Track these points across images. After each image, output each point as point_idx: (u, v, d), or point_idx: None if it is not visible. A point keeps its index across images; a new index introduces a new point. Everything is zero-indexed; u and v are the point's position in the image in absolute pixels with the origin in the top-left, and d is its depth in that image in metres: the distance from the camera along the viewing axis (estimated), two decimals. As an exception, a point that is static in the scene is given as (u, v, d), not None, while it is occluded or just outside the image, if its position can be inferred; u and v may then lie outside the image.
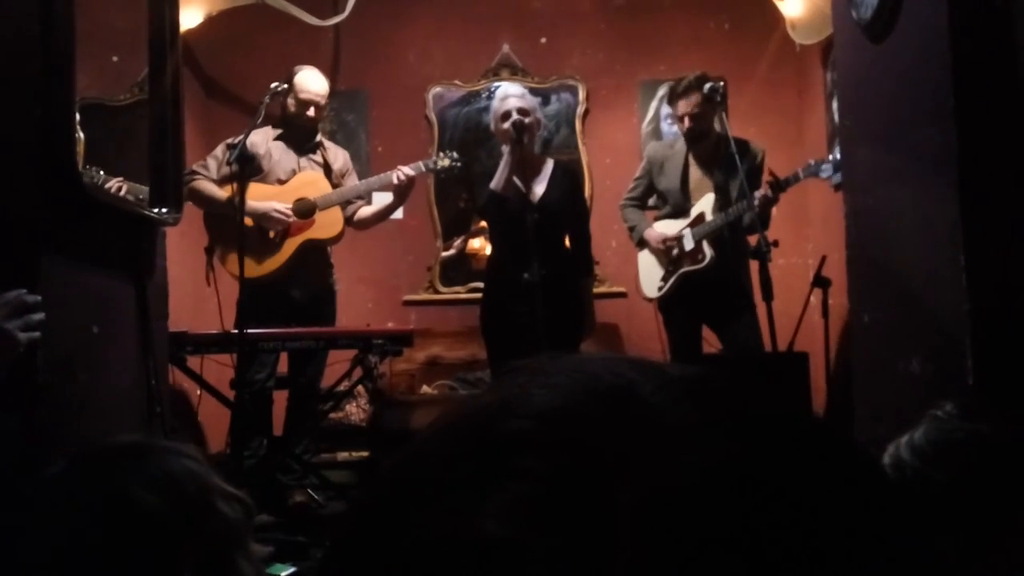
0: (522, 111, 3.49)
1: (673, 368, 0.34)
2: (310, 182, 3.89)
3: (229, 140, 3.83)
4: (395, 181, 3.81)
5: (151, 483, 0.96)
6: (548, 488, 0.29)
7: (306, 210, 3.81)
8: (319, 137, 4.04)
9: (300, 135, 3.93)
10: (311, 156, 3.96)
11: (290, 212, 3.78)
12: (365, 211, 4.01)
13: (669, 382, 0.33)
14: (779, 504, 0.29)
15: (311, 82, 3.91)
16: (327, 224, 3.86)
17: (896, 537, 0.31)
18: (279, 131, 3.94)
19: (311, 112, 3.90)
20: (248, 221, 3.59)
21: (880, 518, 0.31)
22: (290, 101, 3.89)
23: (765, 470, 0.30)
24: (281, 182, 3.86)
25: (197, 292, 3.78)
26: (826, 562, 0.29)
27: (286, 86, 3.85)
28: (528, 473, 0.30)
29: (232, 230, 3.71)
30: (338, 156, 4.07)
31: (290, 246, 3.80)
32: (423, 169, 3.90)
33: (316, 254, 3.88)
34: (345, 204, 3.94)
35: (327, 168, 3.97)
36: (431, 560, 0.29)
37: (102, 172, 2.68)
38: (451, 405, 0.35)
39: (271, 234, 3.77)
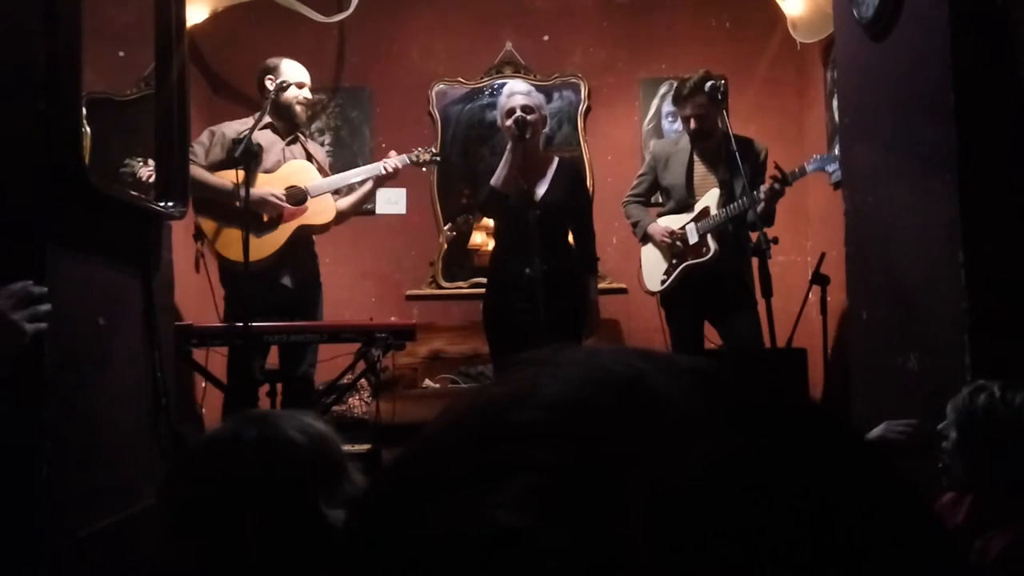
0: (526, 108, 3.50)
1: (683, 360, 0.34)
2: (299, 170, 3.90)
3: (212, 127, 3.84)
4: (384, 171, 3.88)
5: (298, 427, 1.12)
6: (559, 479, 0.29)
7: (298, 197, 3.84)
8: (301, 128, 4.03)
9: (288, 125, 3.93)
10: (293, 147, 3.97)
11: (285, 198, 3.80)
12: (343, 203, 4.02)
13: (680, 374, 0.33)
14: (790, 496, 0.29)
15: (296, 70, 3.93)
16: (320, 211, 3.88)
17: (906, 529, 0.31)
18: (266, 120, 3.89)
19: (303, 97, 3.91)
20: (233, 203, 3.61)
21: (891, 511, 0.31)
22: (280, 91, 3.86)
23: (776, 462, 0.30)
24: (267, 171, 3.86)
25: (202, 285, 3.80)
26: (836, 554, 0.29)
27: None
28: (539, 464, 0.29)
29: (223, 216, 3.70)
30: (317, 150, 4.12)
31: (284, 232, 3.81)
32: (407, 162, 3.97)
33: (304, 243, 3.91)
34: (333, 193, 3.97)
35: (309, 158, 3.99)
36: (443, 552, 0.29)
37: (140, 160, 2.70)
38: (459, 396, 0.35)
39: (264, 218, 3.77)
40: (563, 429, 0.30)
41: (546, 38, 5.33)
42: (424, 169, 4.12)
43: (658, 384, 0.32)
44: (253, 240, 3.59)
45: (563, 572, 0.27)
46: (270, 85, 3.87)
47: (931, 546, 0.31)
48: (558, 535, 0.28)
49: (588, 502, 0.28)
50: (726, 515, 0.28)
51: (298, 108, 3.90)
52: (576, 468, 0.29)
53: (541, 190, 3.55)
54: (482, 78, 5.31)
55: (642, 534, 0.28)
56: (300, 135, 4.03)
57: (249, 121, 3.88)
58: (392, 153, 4.00)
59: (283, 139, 3.92)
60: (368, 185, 3.97)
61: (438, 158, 4.05)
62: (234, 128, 3.83)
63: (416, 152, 4.03)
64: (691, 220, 3.90)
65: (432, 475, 0.32)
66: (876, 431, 1.87)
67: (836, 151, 3.73)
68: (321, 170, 4.00)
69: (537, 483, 0.29)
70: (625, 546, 0.28)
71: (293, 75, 3.89)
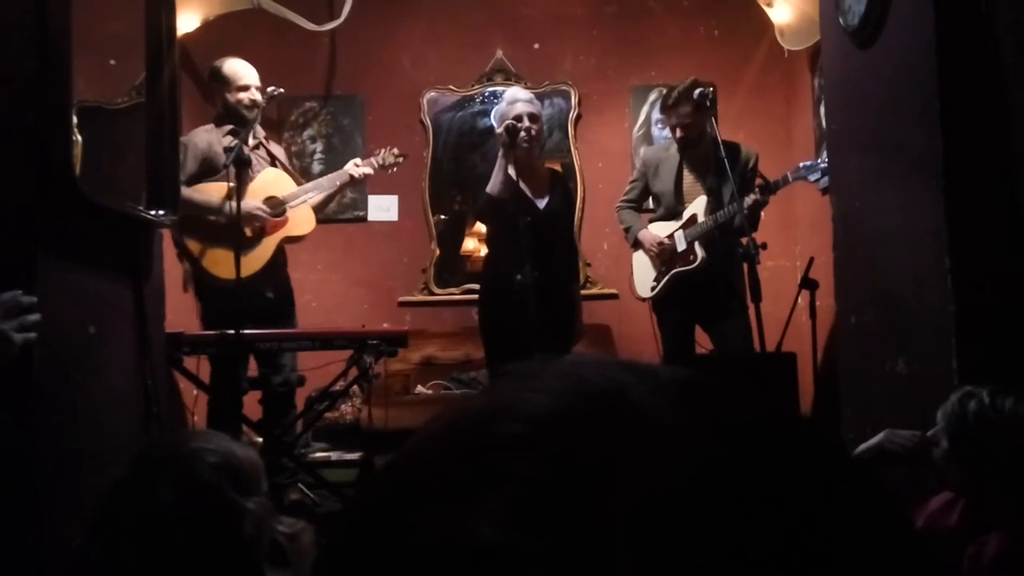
0: (532, 117, 3.50)
1: (665, 371, 0.34)
2: (275, 180, 3.85)
3: (183, 139, 3.60)
4: (356, 176, 3.88)
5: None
6: (540, 492, 0.29)
7: (278, 208, 3.79)
8: (259, 130, 3.94)
9: (246, 128, 3.79)
10: (258, 151, 3.89)
11: (268, 210, 3.75)
12: (311, 201, 3.95)
13: (661, 385, 0.33)
14: (771, 508, 0.29)
15: (243, 69, 3.82)
16: (301, 221, 3.84)
17: (886, 540, 0.31)
18: (227, 128, 3.79)
19: (257, 97, 3.79)
20: (216, 219, 3.59)
21: (871, 524, 0.31)
22: (228, 95, 3.78)
23: (757, 474, 0.30)
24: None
25: (181, 295, 3.76)
26: (816, 566, 0.29)
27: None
28: (520, 477, 0.29)
29: (207, 234, 3.63)
30: (279, 151, 4.07)
31: (269, 245, 3.76)
32: (375, 166, 3.94)
33: (281, 253, 3.86)
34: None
35: (273, 161, 3.94)
36: (425, 564, 0.29)
37: None
38: (444, 408, 0.35)
39: (248, 232, 3.70)
40: (545, 442, 0.30)
41: (536, 46, 5.35)
42: (393, 170, 4.10)
43: (639, 396, 0.32)
44: (241, 257, 3.55)
45: None
46: (215, 89, 3.82)
47: (911, 561, 0.32)
48: (540, 548, 0.28)
49: (570, 515, 0.29)
50: (706, 527, 0.28)
51: (244, 111, 3.77)
52: (557, 481, 0.29)
53: (544, 198, 3.58)
54: (473, 86, 5.33)
55: (623, 547, 0.28)
56: (263, 138, 3.95)
57: (211, 127, 3.80)
58: (358, 160, 3.98)
59: (246, 143, 3.79)
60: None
61: (401, 158, 4.04)
62: (203, 137, 3.72)
63: (381, 155, 3.99)
64: (679, 228, 3.92)
65: (414, 488, 0.32)
66: (876, 439, 1.86)
67: (819, 158, 3.76)
68: (288, 173, 3.97)
69: (519, 496, 0.29)
70: (607, 559, 0.28)
71: (238, 77, 3.79)
